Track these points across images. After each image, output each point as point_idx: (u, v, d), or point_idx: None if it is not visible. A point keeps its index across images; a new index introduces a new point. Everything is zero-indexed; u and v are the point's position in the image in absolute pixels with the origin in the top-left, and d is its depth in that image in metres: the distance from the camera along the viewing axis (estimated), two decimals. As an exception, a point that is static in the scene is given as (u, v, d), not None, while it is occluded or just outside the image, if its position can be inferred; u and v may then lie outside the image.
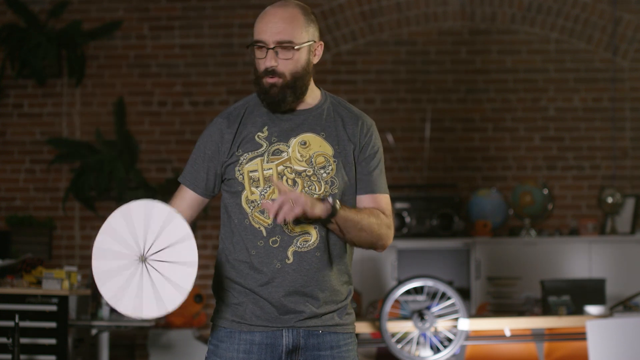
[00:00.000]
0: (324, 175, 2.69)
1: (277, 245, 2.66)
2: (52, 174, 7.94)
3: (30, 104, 7.97)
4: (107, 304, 5.69)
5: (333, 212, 2.61)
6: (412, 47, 7.87)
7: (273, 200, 2.60)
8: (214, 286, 2.79)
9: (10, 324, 4.80)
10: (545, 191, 7.55)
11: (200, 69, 7.91)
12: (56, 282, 5.14)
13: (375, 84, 7.87)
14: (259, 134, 2.71)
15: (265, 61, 2.66)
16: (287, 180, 2.67)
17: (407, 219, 7.30)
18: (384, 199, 2.77)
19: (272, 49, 2.65)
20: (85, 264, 7.64)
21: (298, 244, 2.67)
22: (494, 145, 7.81)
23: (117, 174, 7.68)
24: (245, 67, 7.88)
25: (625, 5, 7.79)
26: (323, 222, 2.65)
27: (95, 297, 5.63)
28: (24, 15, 7.86)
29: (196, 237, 2.50)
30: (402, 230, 7.24)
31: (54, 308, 5.10)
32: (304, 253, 2.67)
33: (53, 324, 5.10)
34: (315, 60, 2.73)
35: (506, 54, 7.85)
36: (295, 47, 2.66)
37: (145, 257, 2.52)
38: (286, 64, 2.66)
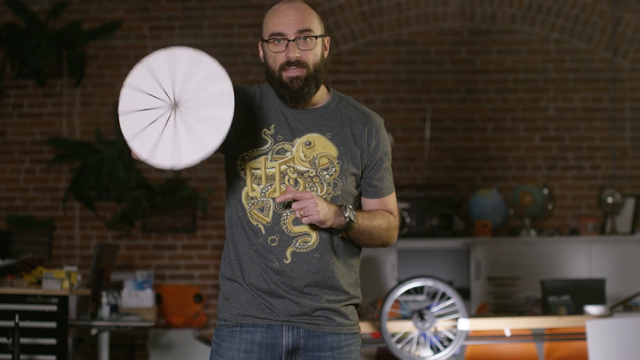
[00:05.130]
0: (327, 176, 2.66)
1: (275, 244, 2.64)
2: (52, 174, 7.94)
3: (30, 104, 7.97)
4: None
5: (347, 226, 2.61)
6: (412, 47, 7.87)
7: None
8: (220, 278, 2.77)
9: (10, 324, 4.80)
10: (545, 191, 7.55)
11: (200, 69, 7.90)
12: (56, 282, 5.14)
13: (375, 84, 7.86)
14: (266, 130, 2.67)
15: (288, 52, 2.62)
16: (288, 180, 2.64)
17: (407, 219, 7.30)
18: (391, 199, 2.77)
19: (293, 40, 2.63)
20: (85, 264, 7.64)
21: (297, 244, 2.64)
22: (494, 145, 7.80)
23: (117, 174, 7.67)
24: (245, 67, 7.88)
25: (625, 5, 7.78)
26: (334, 231, 2.66)
27: (95, 297, 5.62)
28: (24, 15, 7.86)
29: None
30: (402, 230, 7.24)
31: (54, 308, 5.10)
32: (303, 254, 2.64)
33: (53, 324, 5.10)
34: (326, 54, 2.72)
35: (506, 54, 7.85)
36: (316, 36, 2.65)
37: (177, 104, 2.48)
38: (307, 55, 2.64)
